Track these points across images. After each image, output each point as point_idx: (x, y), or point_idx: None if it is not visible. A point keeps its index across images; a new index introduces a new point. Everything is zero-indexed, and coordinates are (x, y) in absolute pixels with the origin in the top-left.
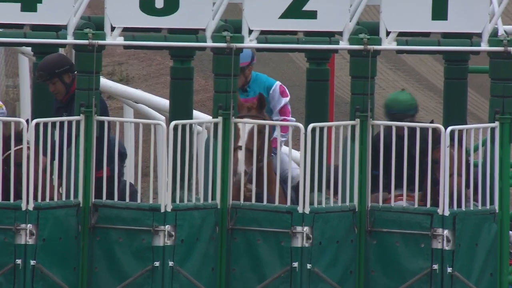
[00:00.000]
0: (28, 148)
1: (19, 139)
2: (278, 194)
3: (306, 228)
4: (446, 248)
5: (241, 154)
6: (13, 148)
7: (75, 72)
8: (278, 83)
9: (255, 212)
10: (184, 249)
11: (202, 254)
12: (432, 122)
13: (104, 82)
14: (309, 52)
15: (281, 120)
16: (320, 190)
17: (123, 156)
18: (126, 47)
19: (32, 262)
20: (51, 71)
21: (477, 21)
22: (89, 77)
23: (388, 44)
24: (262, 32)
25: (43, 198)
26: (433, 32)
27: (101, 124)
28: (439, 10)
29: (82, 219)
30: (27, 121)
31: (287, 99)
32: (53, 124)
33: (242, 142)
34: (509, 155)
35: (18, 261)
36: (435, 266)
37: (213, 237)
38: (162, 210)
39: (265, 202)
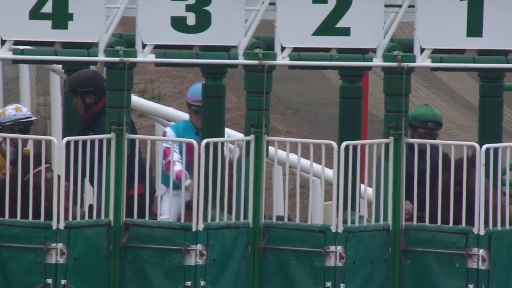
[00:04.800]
0: (50, 168)
1: (39, 160)
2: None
3: (339, 248)
4: (482, 267)
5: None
6: (31, 170)
7: (106, 93)
8: None
9: (287, 231)
10: (216, 269)
11: (234, 274)
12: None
13: (136, 99)
14: (343, 69)
15: None
16: (353, 208)
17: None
18: (158, 64)
19: (63, 282)
20: (74, 88)
21: None
22: (120, 94)
23: (423, 61)
24: (295, 49)
25: (74, 217)
26: (468, 49)
27: (132, 142)
28: (474, 26)
29: (113, 238)
30: None
31: None
32: (84, 142)
33: None
34: None
35: (49, 281)
36: (471, 286)
37: (245, 256)
38: (194, 229)
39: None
